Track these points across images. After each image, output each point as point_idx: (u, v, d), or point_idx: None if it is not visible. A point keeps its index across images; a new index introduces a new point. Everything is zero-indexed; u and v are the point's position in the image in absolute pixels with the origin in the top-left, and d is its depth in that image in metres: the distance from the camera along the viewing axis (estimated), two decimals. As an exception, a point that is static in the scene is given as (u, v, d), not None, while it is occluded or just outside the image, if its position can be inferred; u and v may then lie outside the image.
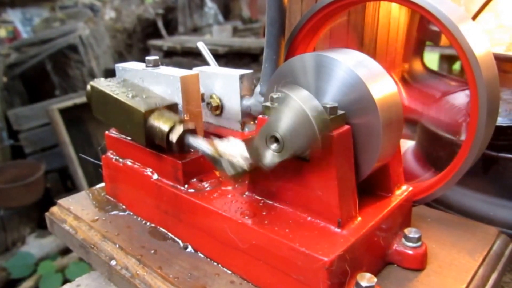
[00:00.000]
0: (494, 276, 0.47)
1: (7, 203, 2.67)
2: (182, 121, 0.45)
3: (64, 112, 2.83)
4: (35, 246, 2.72)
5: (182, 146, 0.46)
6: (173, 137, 0.44)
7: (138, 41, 3.85)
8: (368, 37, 0.65)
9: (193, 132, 0.45)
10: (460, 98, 0.72)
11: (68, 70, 3.27)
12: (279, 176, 0.43)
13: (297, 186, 0.43)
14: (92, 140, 3.05)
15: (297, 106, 0.38)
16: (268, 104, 0.43)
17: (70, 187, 3.04)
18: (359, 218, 0.42)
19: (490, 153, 0.59)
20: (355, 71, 0.41)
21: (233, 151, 0.40)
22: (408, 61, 0.80)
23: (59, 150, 2.92)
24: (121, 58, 3.72)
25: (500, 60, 0.66)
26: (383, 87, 0.42)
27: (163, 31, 3.75)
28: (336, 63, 0.42)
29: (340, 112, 0.41)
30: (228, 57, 3.15)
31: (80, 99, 2.89)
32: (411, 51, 0.80)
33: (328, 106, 0.39)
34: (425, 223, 0.54)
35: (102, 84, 0.52)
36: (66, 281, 2.35)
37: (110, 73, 3.49)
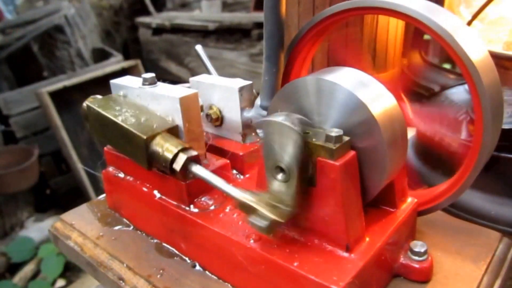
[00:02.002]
0: (498, 282, 0.49)
1: (3, 189, 2.66)
2: (184, 149, 0.45)
3: (54, 94, 2.78)
4: (34, 230, 2.73)
5: (185, 174, 0.45)
6: (177, 167, 0.44)
7: (126, 19, 3.75)
8: (367, 37, 0.64)
9: (196, 160, 0.45)
10: (460, 93, 0.71)
11: (55, 51, 3.20)
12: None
13: (303, 210, 0.43)
14: (83, 122, 3.02)
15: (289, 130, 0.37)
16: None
17: (65, 170, 3.03)
18: (367, 239, 0.43)
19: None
20: (355, 94, 0.40)
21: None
22: (407, 55, 0.79)
23: (51, 133, 2.90)
24: (109, 37, 3.64)
25: (500, 58, 0.65)
26: (384, 105, 0.42)
27: (150, 8, 3.66)
28: (336, 87, 0.41)
29: (345, 138, 0.40)
30: (219, 33, 3.08)
31: (70, 81, 2.84)
32: (409, 45, 0.79)
33: (333, 135, 0.39)
34: (427, 228, 0.54)
35: (99, 104, 0.51)
36: (67, 263, 2.39)
37: (97, 53, 3.39)
